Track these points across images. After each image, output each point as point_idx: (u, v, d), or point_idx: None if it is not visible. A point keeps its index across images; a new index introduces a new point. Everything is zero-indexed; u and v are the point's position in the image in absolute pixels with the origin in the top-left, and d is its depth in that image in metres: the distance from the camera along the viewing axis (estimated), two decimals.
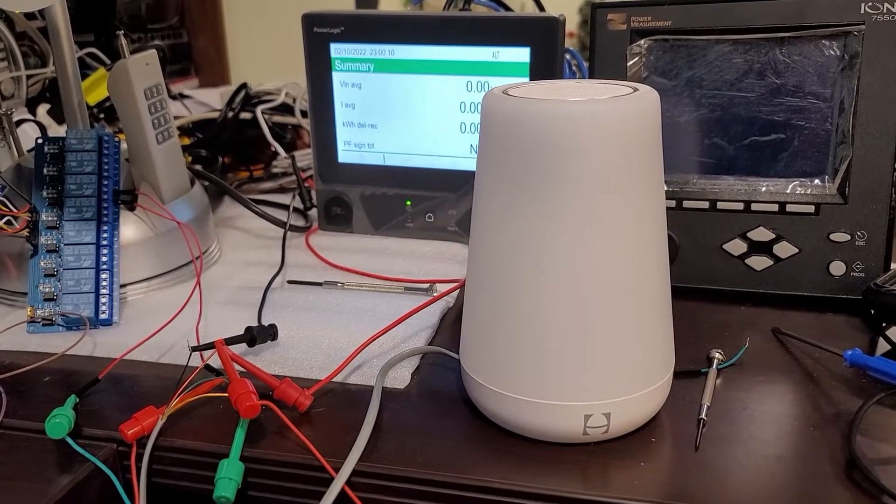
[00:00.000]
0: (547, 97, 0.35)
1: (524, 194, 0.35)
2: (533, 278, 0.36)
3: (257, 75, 1.20)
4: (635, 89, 0.37)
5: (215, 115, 0.91)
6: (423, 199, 0.67)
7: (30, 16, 0.89)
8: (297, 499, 0.39)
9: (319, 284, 0.59)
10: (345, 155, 0.68)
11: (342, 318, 0.53)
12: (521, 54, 0.60)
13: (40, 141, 0.56)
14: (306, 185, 0.75)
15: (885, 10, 0.50)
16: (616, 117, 0.34)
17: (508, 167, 0.36)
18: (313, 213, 0.74)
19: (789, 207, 0.53)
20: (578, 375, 0.37)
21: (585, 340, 0.36)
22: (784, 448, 0.39)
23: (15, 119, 0.71)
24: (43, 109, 0.92)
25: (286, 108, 0.94)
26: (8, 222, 0.53)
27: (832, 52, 0.52)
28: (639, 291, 0.37)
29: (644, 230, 0.36)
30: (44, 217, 0.54)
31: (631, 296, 0.36)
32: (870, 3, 0.50)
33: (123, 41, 0.56)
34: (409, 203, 0.67)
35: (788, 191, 0.54)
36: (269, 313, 0.54)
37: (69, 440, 0.40)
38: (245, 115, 0.89)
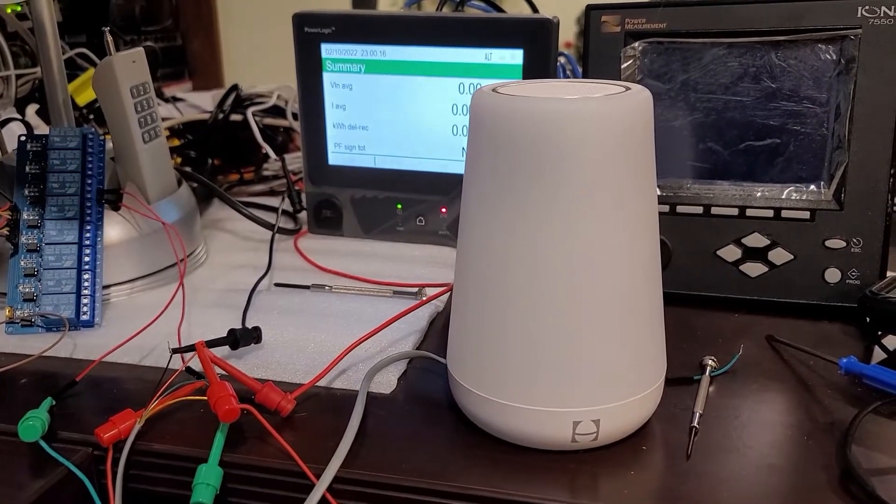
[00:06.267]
0: (538, 95, 0.34)
1: (513, 194, 0.34)
2: (521, 281, 0.35)
3: (252, 78, 1.19)
4: (627, 88, 0.36)
5: (206, 116, 0.90)
6: (414, 203, 0.66)
7: (21, 16, 0.88)
8: None
9: (307, 287, 0.58)
10: (335, 157, 0.67)
11: (329, 322, 0.52)
12: (515, 56, 0.59)
13: (23, 138, 0.55)
14: (296, 187, 0.74)
15: (882, 14, 0.49)
16: (609, 115, 0.33)
17: (497, 166, 0.35)
18: (303, 215, 0.73)
19: (784, 213, 0.52)
20: (567, 381, 0.36)
21: (575, 345, 0.35)
22: (777, 457, 0.38)
23: (2, 118, 0.70)
24: (32, 110, 0.91)
25: (278, 111, 0.93)
26: None
27: (828, 56, 0.51)
28: (630, 295, 0.36)
29: (636, 232, 0.35)
30: (25, 216, 0.53)
31: (621, 299, 0.36)
32: (867, 7, 0.49)
33: (109, 38, 0.55)
34: (399, 206, 0.66)
35: (783, 196, 0.53)
36: (255, 316, 0.53)
37: (42, 443, 0.39)
38: (236, 117, 0.88)
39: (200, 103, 1.20)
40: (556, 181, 0.33)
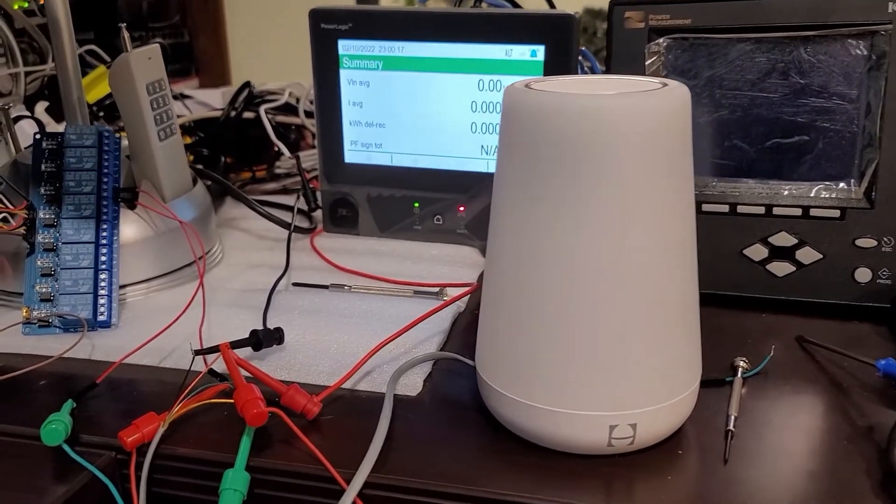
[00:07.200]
0: (576, 91, 0.33)
1: (550, 192, 0.33)
2: (557, 281, 0.34)
3: (258, 76, 1.18)
4: (664, 84, 0.35)
5: (217, 113, 0.89)
6: (432, 201, 0.65)
7: (29, 12, 0.88)
8: None
9: (325, 287, 0.57)
10: (351, 155, 0.66)
11: (350, 322, 0.51)
12: (536, 52, 0.59)
13: (38, 136, 0.55)
14: (311, 185, 0.73)
15: None
16: (652, 111, 0.32)
17: (534, 164, 0.34)
18: (317, 214, 0.72)
19: (813, 212, 0.51)
20: (604, 384, 0.35)
21: (613, 347, 0.34)
22: (816, 462, 0.37)
23: (13, 116, 0.70)
24: (41, 107, 0.90)
25: (289, 109, 0.92)
26: (4, 219, 0.51)
27: (859, 52, 0.50)
28: (668, 296, 0.35)
29: (676, 232, 0.34)
30: (41, 214, 0.52)
31: (660, 300, 0.35)
32: None
33: (126, 34, 0.55)
34: (416, 205, 0.65)
35: (812, 194, 0.52)
36: (274, 316, 0.52)
37: (66, 447, 0.38)
38: (248, 115, 0.87)
39: (209, 100, 1.19)
40: (596, 179, 0.32)
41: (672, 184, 0.34)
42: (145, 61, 0.56)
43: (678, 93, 0.34)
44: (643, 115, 0.32)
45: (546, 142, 0.33)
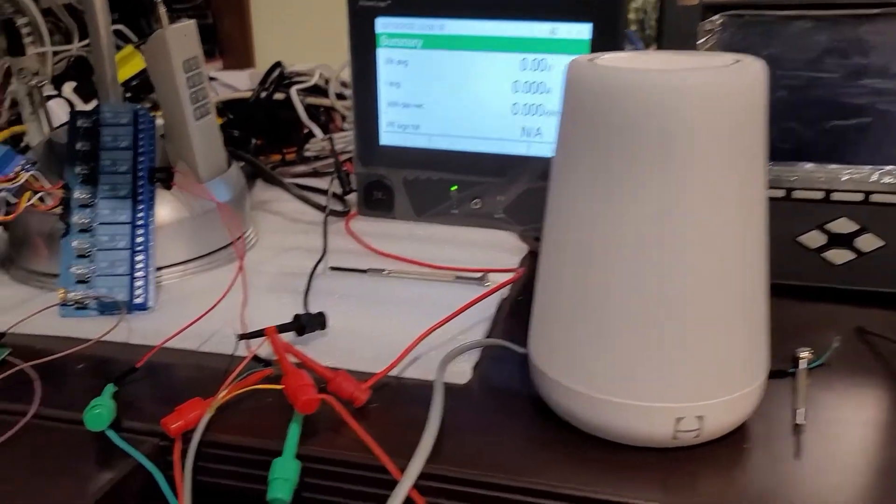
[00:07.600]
0: (649, 67, 0.31)
1: (623, 175, 0.32)
2: (626, 267, 0.33)
3: (283, 57, 1.17)
4: (737, 59, 0.34)
5: (247, 94, 0.87)
6: (470, 185, 0.63)
7: None
8: (355, 501, 0.36)
9: (363, 272, 0.56)
10: (387, 136, 0.65)
11: (392, 308, 0.50)
12: (582, 31, 0.57)
13: (74, 115, 0.53)
14: (344, 168, 0.71)
15: None
16: (734, 87, 0.30)
17: (603, 146, 0.32)
18: (350, 197, 0.71)
19: (874, 197, 0.49)
20: (671, 373, 0.33)
21: (682, 335, 0.33)
22: (890, 458, 0.35)
23: (44, 94, 0.69)
24: (69, 87, 0.89)
25: (318, 90, 0.90)
26: (41, 199, 0.50)
27: None
28: (741, 282, 0.33)
29: (750, 217, 0.33)
30: (77, 194, 0.51)
31: (732, 287, 0.33)
32: None
33: (162, 9, 0.53)
34: (454, 188, 0.64)
35: (873, 179, 0.50)
36: (313, 301, 0.51)
37: (110, 433, 0.37)
38: (278, 96, 0.86)
39: (234, 82, 1.17)
40: (673, 160, 0.31)
41: (747, 165, 0.32)
42: (181, 38, 0.55)
43: (755, 68, 0.32)
44: (723, 92, 0.30)
45: (615, 122, 0.31)
